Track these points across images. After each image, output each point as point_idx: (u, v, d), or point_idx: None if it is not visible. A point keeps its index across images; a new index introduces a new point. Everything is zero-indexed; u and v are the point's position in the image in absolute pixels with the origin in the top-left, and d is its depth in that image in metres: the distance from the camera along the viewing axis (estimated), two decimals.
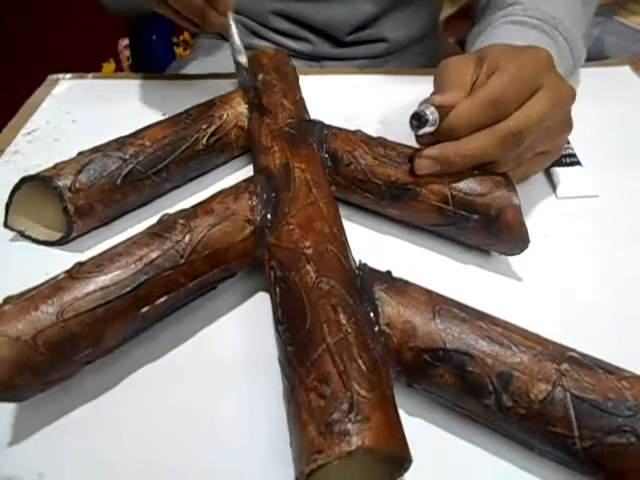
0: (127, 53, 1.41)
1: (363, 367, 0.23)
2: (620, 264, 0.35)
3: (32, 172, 0.35)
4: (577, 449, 0.22)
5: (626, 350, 0.30)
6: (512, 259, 0.35)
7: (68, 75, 0.55)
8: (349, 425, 0.21)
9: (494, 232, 0.33)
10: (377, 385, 0.23)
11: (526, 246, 0.33)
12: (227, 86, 0.46)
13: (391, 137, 0.38)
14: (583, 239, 0.37)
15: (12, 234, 0.37)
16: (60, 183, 0.34)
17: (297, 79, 0.46)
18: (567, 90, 0.34)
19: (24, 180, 0.35)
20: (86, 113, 0.49)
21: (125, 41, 1.41)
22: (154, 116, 0.42)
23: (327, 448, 0.21)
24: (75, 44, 1.36)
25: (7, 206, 0.36)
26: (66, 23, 1.47)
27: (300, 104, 0.42)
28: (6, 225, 0.36)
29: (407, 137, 0.38)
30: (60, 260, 0.32)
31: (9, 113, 0.49)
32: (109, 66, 1.49)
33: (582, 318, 0.32)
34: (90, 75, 0.55)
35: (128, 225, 0.38)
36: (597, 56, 0.74)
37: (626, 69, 0.54)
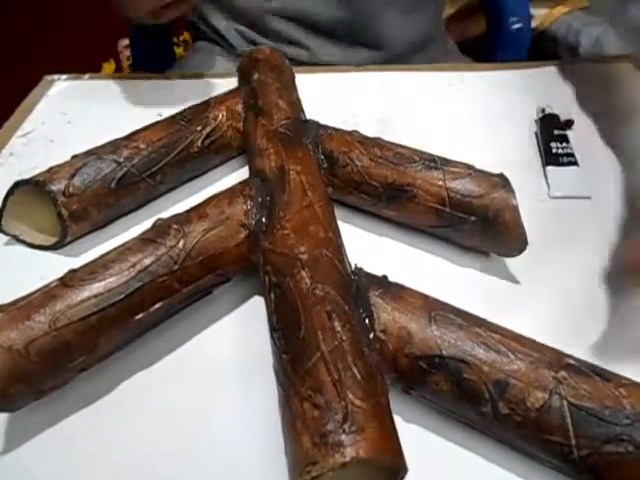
0: (127, 53, 1.40)
1: (358, 375, 0.23)
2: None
3: (27, 175, 0.35)
4: (574, 458, 0.22)
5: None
6: (510, 261, 0.35)
7: (64, 76, 0.54)
8: (343, 436, 0.21)
9: (492, 234, 0.33)
10: (372, 394, 0.23)
11: (524, 247, 0.33)
12: (226, 86, 0.46)
13: (388, 136, 0.38)
14: (583, 240, 0.37)
15: (7, 238, 0.37)
16: (54, 187, 0.34)
17: (293, 78, 0.46)
18: None
19: (18, 184, 0.35)
20: (82, 114, 0.49)
21: (125, 41, 1.39)
22: (151, 117, 0.41)
23: (321, 459, 0.20)
24: (75, 44, 1.35)
25: (0, 211, 0.35)
26: (66, 23, 1.46)
27: (296, 104, 0.42)
28: (0, 230, 0.36)
29: (405, 136, 0.38)
30: (55, 264, 0.32)
31: (8, 114, 0.49)
32: (109, 66, 1.47)
33: (582, 320, 0.32)
34: (86, 76, 0.54)
35: (123, 229, 0.38)
36: (598, 56, 0.74)
37: (628, 66, 0.53)
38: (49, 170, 0.35)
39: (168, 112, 0.41)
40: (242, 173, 0.42)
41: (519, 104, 0.49)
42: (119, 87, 0.52)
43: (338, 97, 0.50)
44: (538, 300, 0.33)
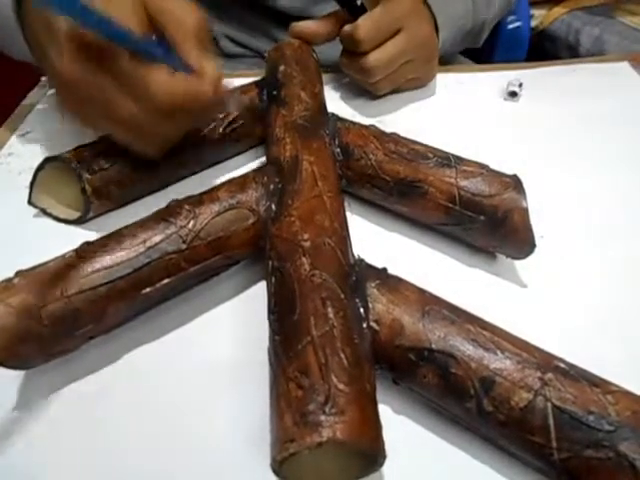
0: None
1: (345, 361, 0.23)
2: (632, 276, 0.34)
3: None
4: (554, 460, 0.22)
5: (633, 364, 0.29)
6: (518, 263, 0.35)
7: None
8: (323, 417, 0.21)
9: (500, 234, 0.33)
10: (357, 380, 0.23)
11: (532, 250, 0.32)
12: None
13: None
14: (594, 245, 0.36)
15: (35, 211, 0.39)
16: (79, 165, 0.36)
17: (319, 72, 0.47)
18: (425, 32, 0.45)
19: (47, 160, 0.37)
20: None
21: None
22: None
23: (299, 437, 0.21)
24: None
25: (31, 184, 0.37)
26: None
27: (319, 97, 0.42)
28: (30, 202, 0.38)
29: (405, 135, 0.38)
30: (77, 238, 0.34)
31: (8, 114, 0.49)
32: None
33: (587, 327, 0.31)
34: None
35: (144, 208, 0.38)
36: (598, 56, 0.73)
37: (625, 65, 0.52)
38: (77, 148, 0.37)
39: None
40: (262, 162, 0.43)
41: (519, 105, 0.49)
42: None
43: (338, 97, 0.51)
44: (543, 304, 0.33)
